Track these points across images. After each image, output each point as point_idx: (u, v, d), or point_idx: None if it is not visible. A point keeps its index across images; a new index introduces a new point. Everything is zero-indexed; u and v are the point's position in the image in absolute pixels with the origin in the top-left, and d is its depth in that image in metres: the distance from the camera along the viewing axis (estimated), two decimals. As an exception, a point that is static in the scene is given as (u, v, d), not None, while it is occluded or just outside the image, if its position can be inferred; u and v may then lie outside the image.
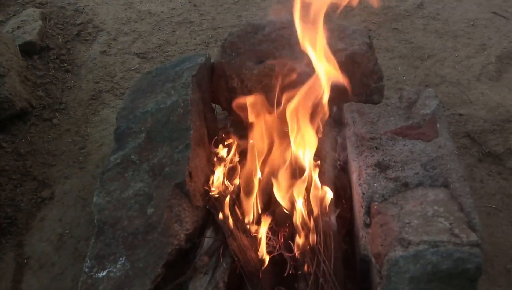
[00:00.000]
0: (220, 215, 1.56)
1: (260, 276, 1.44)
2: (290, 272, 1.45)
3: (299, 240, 1.47)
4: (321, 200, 1.56)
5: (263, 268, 1.47)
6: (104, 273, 1.35)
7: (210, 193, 1.65)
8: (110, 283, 1.33)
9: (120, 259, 1.38)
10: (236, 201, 1.64)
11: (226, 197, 1.60)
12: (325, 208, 1.55)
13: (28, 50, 2.78)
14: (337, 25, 1.96)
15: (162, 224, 1.43)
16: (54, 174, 2.16)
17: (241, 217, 1.58)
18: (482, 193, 1.88)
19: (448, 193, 1.35)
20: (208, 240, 1.54)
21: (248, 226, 1.56)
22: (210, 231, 1.56)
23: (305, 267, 1.42)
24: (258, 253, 1.49)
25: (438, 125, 1.56)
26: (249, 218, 1.58)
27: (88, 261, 1.38)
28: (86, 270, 1.36)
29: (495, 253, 1.66)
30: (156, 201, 1.48)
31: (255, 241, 1.52)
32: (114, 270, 1.36)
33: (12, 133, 2.33)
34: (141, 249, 1.39)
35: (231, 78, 1.93)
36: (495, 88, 2.43)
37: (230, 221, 1.54)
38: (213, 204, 1.63)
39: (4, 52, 2.45)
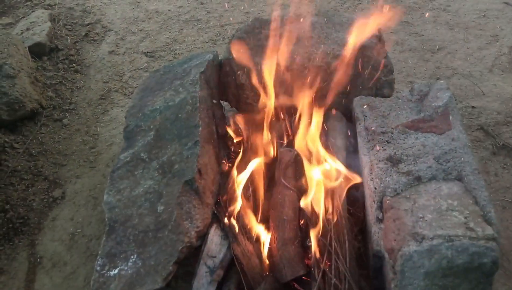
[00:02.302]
0: (226, 220, 1.55)
1: (264, 282, 1.42)
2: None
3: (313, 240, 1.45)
4: (334, 197, 1.54)
5: (266, 274, 1.46)
6: (116, 271, 1.35)
7: (217, 198, 1.64)
8: (122, 281, 1.33)
9: (131, 257, 1.38)
10: (243, 205, 1.62)
11: (231, 202, 1.59)
12: (338, 205, 1.53)
13: (37, 51, 2.80)
14: (345, 18, 1.94)
15: (173, 221, 1.42)
16: (65, 174, 2.17)
17: (246, 222, 1.57)
18: (497, 187, 1.84)
19: (462, 186, 1.32)
20: (223, 250, 1.51)
21: (252, 232, 1.55)
22: (214, 229, 1.55)
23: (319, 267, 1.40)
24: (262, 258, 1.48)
25: (451, 117, 1.53)
26: (252, 223, 1.57)
27: (100, 259, 1.38)
28: (98, 268, 1.36)
29: (511, 247, 1.62)
30: (166, 199, 1.48)
31: (259, 247, 1.52)
32: (126, 268, 1.36)
33: (23, 134, 2.34)
34: (152, 246, 1.39)
35: (239, 75, 1.92)
36: (508, 80, 2.38)
37: (235, 226, 1.53)
38: (219, 209, 1.61)
39: (14, 53, 2.46)
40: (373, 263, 1.40)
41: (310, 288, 1.38)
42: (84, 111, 2.54)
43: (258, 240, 1.53)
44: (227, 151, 1.93)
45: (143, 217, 1.46)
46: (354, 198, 1.65)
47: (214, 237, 1.53)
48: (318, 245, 1.44)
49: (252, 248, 1.49)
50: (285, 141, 1.87)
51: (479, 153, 1.98)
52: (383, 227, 1.32)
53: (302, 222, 1.57)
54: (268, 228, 1.57)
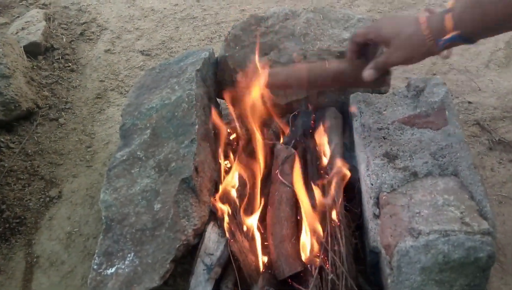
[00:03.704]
0: (225, 218, 1.55)
1: (260, 279, 1.42)
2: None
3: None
4: (330, 192, 1.54)
5: (262, 271, 1.46)
6: (113, 270, 1.35)
7: (214, 195, 1.64)
8: (119, 279, 1.33)
9: (129, 255, 1.38)
10: (239, 202, 1.62)
11: (228, 198, 1.59)
12: (334, 200, 1.53)
13: (32, 50, 2.79)
14: (341, 14, 1.94)
15: (170, 219, 1.42)
16: (62, 173, 2.16)
17: (242, 219, 1.57)
18: (493, 182, 1.85)
19: (458, 181, 1.32)
20: (220, 248, 1.51)
21: (249, 229, 1.55)
22: (211, 227, 1.55)
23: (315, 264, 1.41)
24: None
25: (447, 113, 1.53)
26: (249, 220, 1.57)
27: (97, 258, 1.38)
28: (95, 267, 1.36)
29: (507, 242, 1.63)
30: (163, 197, 1.48)
31: (255, 243, 1.51)
32: (123, 266, 1.36)
33: (19, 133, 2.34)
34: (149, 245, 1.39)
35: (235, 72, 1.91)
36: (505, 75, 2.39)
37: (232, 222, 1.53)
38: (216, 205, 1.61)
39: (9, 53, 2.45)
40: (370, 259, 1.40)
41: (307, 285, 1.39)
42: (80, 110, 2.54)
43: (254, 237, 1.53)
44: (224, 149, 1.92)
45: (140, 215, 1.46)
46: (351, 194, 1.65)
47: (212, 234, 1.54)
48: (315, 241, 1.45)
49: (248, 244, 1.49)
50: (282, 138, 1.87)
51: (475, 148, 1.99)
52: (379, 223, 1.32)
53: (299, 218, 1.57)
54: (265, 225, 1.57)
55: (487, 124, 2.08)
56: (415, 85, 1.70)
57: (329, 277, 1.35)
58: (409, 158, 1.42)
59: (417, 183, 1.35)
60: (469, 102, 2.23)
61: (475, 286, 1.17)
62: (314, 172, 1.67)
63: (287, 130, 1.87)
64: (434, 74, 2.45)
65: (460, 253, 1.13)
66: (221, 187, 1.65)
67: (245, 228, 1.55)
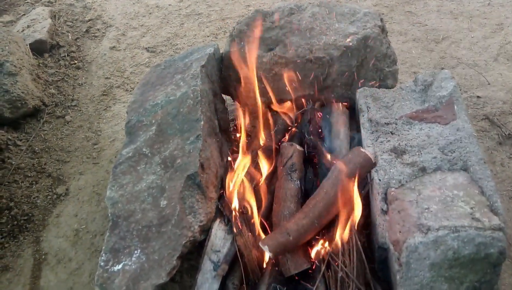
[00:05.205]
0: (232, 213, 1.54)
1: (268, 277, 1.42)
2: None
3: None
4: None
5: (264, 268, 1.45)
6: (120, 266, 1.35)
7: (221, 192, 1.63)
8: (126, 276, 1.33)
9: (135, 252, 1.37)
10: (246, 199, 1.62)
11: (236, 196, 1.59)
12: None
13: (38, 48, 2.80)
14: (347, 8, 1.91)
15: (176, 216, 1.41)
16: (69, 171, 2.17)
17: (249, 215, 1.56)
18: (503, 177, 1.82)
19: (467, 176, 1.30)
20: (227, 245, 1.51)
21: (255, 225, 1.54)
22: (217, 223, 1.55)
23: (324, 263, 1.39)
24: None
25: (455, 107, 1.51)
26: (255, 216, 1.56)
27: (104, 254, 1.38)
28: (102, 263, 1.36)
29: (518, 238, 1.61)
30: (169, 193, 1.47)
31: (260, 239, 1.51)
32: (130, 263, 1.35)
33: (26, 131, 2.34)
34: (155, 241, 1.39)
35: (240, 68, 1.90)
36: (514, 68, 2.35)
37: (239, 218, 1.52)
38: (223, 203, 1.60)
39: (15, 51, 2.46)
40: (378, 255, 1.39)
41: (315, 281, 1.38)
42: (86, 108, 2.54)
43: (260, 233, 1.52)
44: (230, 145, 1.92)
45: (146, 212, 1.46)
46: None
47: (218, 231, 1.53)
48: (323, 239, 1.44)
49: (254, 240, 1.48)
50: (287, 135, 1.86)
51: (484, 143, 1.96)
52: (388, 218, 1.30)
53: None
54: (271, 221, 1.56)
55: (497, 119, 2.05)
56: (423, 80, 1.68)
57: (339, 275, 1.34)
58: (417, 153, 1.40)
59: (426, 178, 1.33)
60: (478, 97, 2.20)
61: (486, 282, 1.15)
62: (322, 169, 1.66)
63: (293, 127, 1.86)
64: (442, 68, 2.41)
65: (470, 249, 1.11)
66: (228, 184, 1.64)
67: (251, 224, 1.54)
